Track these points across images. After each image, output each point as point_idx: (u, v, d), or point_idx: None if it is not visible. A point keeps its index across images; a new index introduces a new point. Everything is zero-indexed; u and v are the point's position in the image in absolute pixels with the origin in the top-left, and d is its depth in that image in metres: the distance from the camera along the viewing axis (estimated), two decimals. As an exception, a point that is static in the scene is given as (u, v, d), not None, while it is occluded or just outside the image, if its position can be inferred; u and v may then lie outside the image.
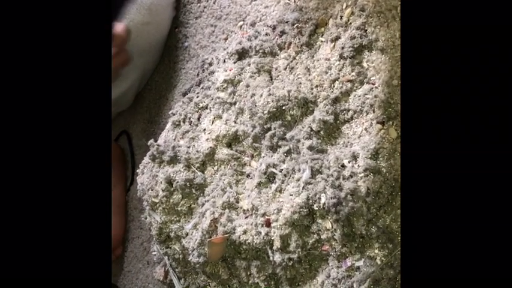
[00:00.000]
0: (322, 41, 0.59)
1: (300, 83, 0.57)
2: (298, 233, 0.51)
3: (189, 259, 0.59)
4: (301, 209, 0.50)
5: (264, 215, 0.53)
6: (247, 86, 0.60)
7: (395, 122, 0.50)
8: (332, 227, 0.49)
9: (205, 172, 0.61)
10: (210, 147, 0.61)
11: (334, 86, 0.55)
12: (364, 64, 0.54)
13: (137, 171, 0.68)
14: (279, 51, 0.63)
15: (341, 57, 0.55)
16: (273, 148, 0.56)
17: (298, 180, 0.52)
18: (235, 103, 0.61)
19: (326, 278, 0.50)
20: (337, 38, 0.56)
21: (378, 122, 0.50)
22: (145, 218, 0.67)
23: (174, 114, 0.69)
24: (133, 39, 0.74)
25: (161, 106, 0.84)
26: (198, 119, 0.66)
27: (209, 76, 0.67)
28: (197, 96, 0.67)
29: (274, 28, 0.64)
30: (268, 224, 0.52)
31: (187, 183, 0.60)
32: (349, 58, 0.54)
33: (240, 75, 0.63)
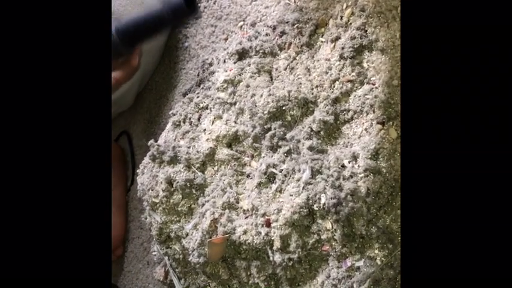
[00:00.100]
0: (322, 41, 0.59)
1: (300, 83, 0.57)
2: (298, 233, 0.51)
3: (189, 259, 0.59)
4: (301, 209, 0.50)
5: (264, 215, 0.53)
6: (248, 86, 0.60)
7: (395, 122, 0.50)
8: (332, 227, 0.49)
9: (206, 172, 0.61)
10: (210, 147, 0.61)
11: (334, 86, 0.55)
12: (365, 64, 0.54)
13: (137, 171, 0.68)
14: (279, 52, 0.63)
15: (341, 57, 0.55)
16: (273, 148, 0.56)
17: (298, 180, 0.52)
18: (235, 103, 0.61)
19: (326, 278, 0.50)
20: (338, 38, 0.56)
21: (378, 122, 0.50)
22: (146, 218, 0.67)
23: (174, 115, 0.69)
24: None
25: (161, 106, 0.84)
26: (198, 119, 0.66)
27: (209, 76, 0.67)
28: (197, 97, 0.67)
29: (274, 28, 0.64)
30: (268, 224, 0.52)
31: (188, 184, 0.60)
32: (350, 58, 0.54)
33: (240, 75, 0.63)
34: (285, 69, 0.60)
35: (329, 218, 0.49)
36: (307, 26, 0.60)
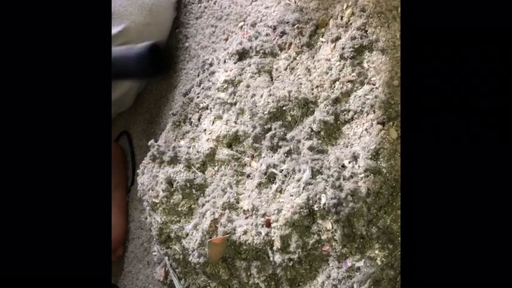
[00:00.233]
0: (322, 42, 0.59)
1: (301, 84, 0.57)
2: (298, 234, 0.51)
3: (190, 259, 0.59)
4: (301, 210, 0.50)
5: (264, 215, 0.53)
6: (248, 86, 0.60)
7: (395, 122, 0.50)
8: (332, 227, 0.49)
9: (206, 172, 0.61)
10: (211, 147, 0.61)
11: (334, 87, 0.55)
12: (365, 64, 0.54)
13: (137, 171, 0.68)
14: (279, 52, 0.63)
15: (341, 57, 0.55)
16: (274, 148, 0.56)
17: (298, 180, 0.52)
18: (235, 103, 0.61)
19: (326, 279, 0.50)
20: (338, 38, 0.56)
21: (378, 123, 0.50)
22: (146, 219, 0.67)
23: (174, 115, 0.69)
24: (135, 40, 0.74)
25: (161, 106, 0.84)
26: (199, 119, 0.66)
27: (209, 76, 0.67)
28: (197, 97, 0.67)
29: (274, 28, 0.64)
30: (268, 224, 0.52)
31: (188, 184, 0.60)
32: (350, 58, 0.54)
33: (240, 75, 0.63)
34: (285, 69, 0.60)
35: (329, 218, 0.49)
36: (308, 26, 0.60)
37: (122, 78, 0.69)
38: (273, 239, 0.52)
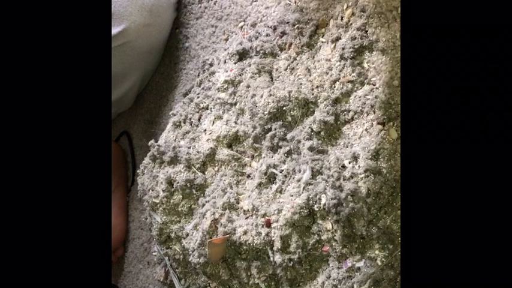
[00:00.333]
0: (322, 42, 0.59)
1: (301, 84, 0.57)
2: (298, 234, 0.51)
3: (190, 260, 0.59)
4: (301, 210, 0.50)
5: (264, 215, 0.53)
6: (248, 86, 0.60)
7: (395, 122, 0.50)
8: (332, 227, 0.49)
9: (206, 173, 0.61)
10: (211, 147, 0.61)
11: (334, 87, 0.55)
12: (365, 65, 0.54)
13: (138, 171, 0.68)
14: (279, 52, 0.63)
15: (342, 57, 0.55)
16: (274, 149, 0.56)
17: (298, 180, 0.52)
18: (235, 104, 0.61)
19: (326, 279, 0.50)
20: (338, 38, 0.56)
21: (378, 123, 0.50)
22: (146, 219, 0.67)
23: (174, 115, 0.69)
24: (135, 40, 0.74)
25: (162, 107, 0.84)
26: (199, 119, 0.66)
27: (210, 77, 0.67)
28: (198, 97, 0.67)
29: (274, 29, 0.64)
30: (268, 224, 0.52)
31: (188, 184, 0.60)
32: (350, 59, 0.54)
33: (240, 75, 0.63)
34: (286, 69, 0.60)
35: (329, 218, 0.49)
36: (308, 26, 0.60)
37: None
38: (273, 239, 0.52)
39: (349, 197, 0.48)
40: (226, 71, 0.64)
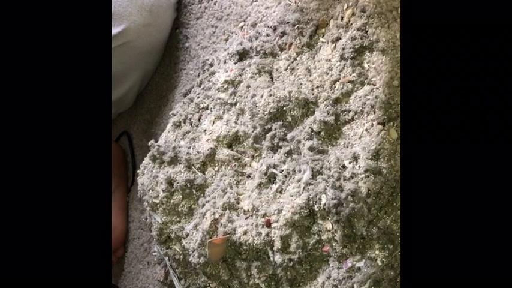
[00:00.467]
0: (322, 42, 0.59)
1: (301, 84, 0.57)
2: (298, 234, 0.51)
3: (190, 260, 0.59)
4: (301, 210, 0.50)
5: (264, 215, 0.53)
6: (248, 86, 0.60)
7: (395, 122, 0.50)
8: (332, 227, 0.49)
9: (206, 173, 0.61)
10: (211, 147, 0.61)
11: (334, 87, 0.55)
12: (365, 65, 0.54)
13: (138, 171, 0.68)
14: (279, 52, 0.63)
15: (342, 58, 0.55)
16: (274, 149, 0.56)
17: (298, 180, 0.52)
18: (235, 104, 0.61)
19: (326, 279, 0.50)
20: (338, 38, 0.56)
21: (378, 123, 0.50)
22: (146, 219, 0.67)
23: (174, 115, 0.69)
24: (135, 40, 0.74)
25: (162, 107, 0.84)
26: (199, 119, 0.66)
27: (210, 77, 0.67)
28: (198, 97, 0.67)
29: (275, 29, 0.64)
30: (268, 224, 0.52)
31: (188, 184, 0.60)
32: (350, 59, 0.54)
33: (240, 75, 0.63)
34: (286, 69, 0.60)
35: (329, 218, 0.49)
36: (308, 26, 0.60)
37: None
38: (273, 239, 0.52)
39: (349, 197, 0.48)
40: (227, 71, 0.64)
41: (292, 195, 0.51)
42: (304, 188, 0.51)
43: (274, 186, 0.54)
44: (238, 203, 0.57)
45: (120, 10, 0.72)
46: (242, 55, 0.65)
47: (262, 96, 0.58)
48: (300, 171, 0.52)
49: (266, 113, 0.57)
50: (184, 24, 0.83)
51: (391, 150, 0.49)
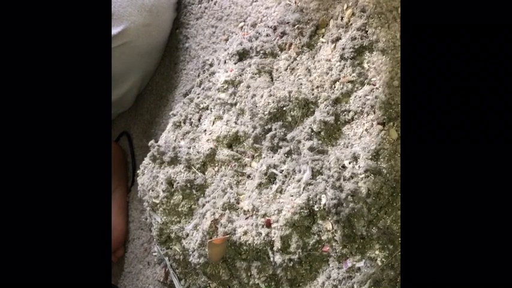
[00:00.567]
0: (322, 42, 0.59)
1: (301, 84, 0.57)
2: (298, 234, 0.51)
3: (190, 260, 0.59)
4: (301, 210, 0.50)
5: (264, 215, 0.53)
6: (248, 86, 0.60)
7: (395, 122, 0.50)
8: (332, 227, 0.49)
9: (206, 173, 0.61)
10: (211, 148, 0.61)
11: (334, 87, 0.55)
12: (365, 65, 0.54)
13: (138, 172, 0.68)
14: (279, 52, 0.63)
15: (342, 58, 0.55)
16: (274, 149, 0.56)
17: (298, 181, 0.52)
18: (235, 104, 0.61)
19: (326, 279, 0.50)
20: (338, 38, 0.56)
21: (378, 123, 0.50)
22: (146, 219, 0.67)
23: (174, 115, 0.69)
24: (135, 40, 0.74)
25: (162, 107, 0.84)
26: (199, 119, 0.66)
27: (210, 77, 0.67)
28: (198, 97, 0.67)
29: (275, 29, 0.64)
30: (268, 224, 0.52)
31: (188, 184, 0.60)
32: (350, 59, 0.54)
33: (240, 76, 0.63)
34: (286, 69, 0.60)
35: (329, 218, 0.49)
36: (308, 26, 0.60)
37: None
38: (273, 239, 0.52)
39: (349, 197, 0.48)
40: (227, 71, 0.64)
41: (292, 195, 0.51)
42: (304, 188, 0.51)
43: (274, 187, 0.54)
44: (238, 203, 0.57)
45: (120, 10, 0.72)
46: (242, 55, 0.65)
47: (262, 96, 0.58)
48: (300, 171, 0.52)
49: (266, 113, 0.57)
50: (184, 24, 0.83)
51: (391, 150, 0.49)
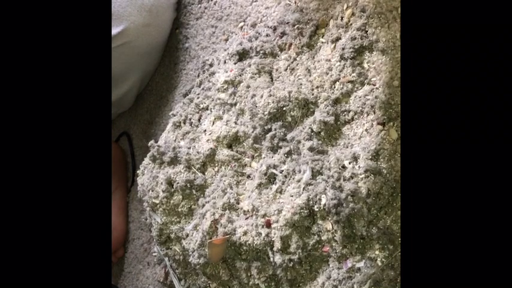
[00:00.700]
0: (322, 42, 0.59)
1: (301, 84, 0.57)
2: (298, 234, 0.51)
3: (190, 260, 0.59)
4: (301, 210, 0.50)
5: (264, 216, 0.53)
6: (248, 86, 0.60)
7: (395, 123, 0.50)
8: (332, 228, 0.49)
9: (206, 173, 0.61)
10: (211, 148, 0.61)
11: (334, 87, 0.55)
12: (365, 65, 0.54)
13: (137, 172, 0.68)
14: (279, 52, 0.63)
15: (342, 58, 0.55)
16: (274, 149, 0.56)
17: (298, 181, 0.52)
18: (235, 104, 0.61)
19: (326, 279, 0.50)
20: (338, 38, 0.56)
21: (378, 123, 0.50)
22: (146, 219, 0.67)
23: (174, 115, 0.69)
24: (134, 40, 0.74)
25: (162, 107, 0.84)
26: (199, 119, 0.66)
27: (210, 77, 0.67)
28: (198, 97, 0.67)
29: (274, 29, 0.64)
30: (268, 225, 0.52)
31: (188, 184, 0.60)
32: (350, 59, 0.54)
33: (240, 76, 0.63)
34: (286, 69, 0.60)
35: (329, 218, 0.49)
36: (308, 26, 0.60)
37: None
38: (273, 239, 0.52)
39: (349, 197, 0.48)
40: (226, 72, 0.64)
41: (292, 196, 0.51)
42: (304, 188, 0.51)
43: (274, 187, 0.54)
44: (238, 204, 0.57)
45: (119, 10, 0.72)
46: (242, 55, 0.65)
47: (262, 96, 0.58)
48: (300, 171, 0.52)
49: (266, 113, 0.57)
50: (184, 25, 0.83)
51: (391, 150, 0.49)
